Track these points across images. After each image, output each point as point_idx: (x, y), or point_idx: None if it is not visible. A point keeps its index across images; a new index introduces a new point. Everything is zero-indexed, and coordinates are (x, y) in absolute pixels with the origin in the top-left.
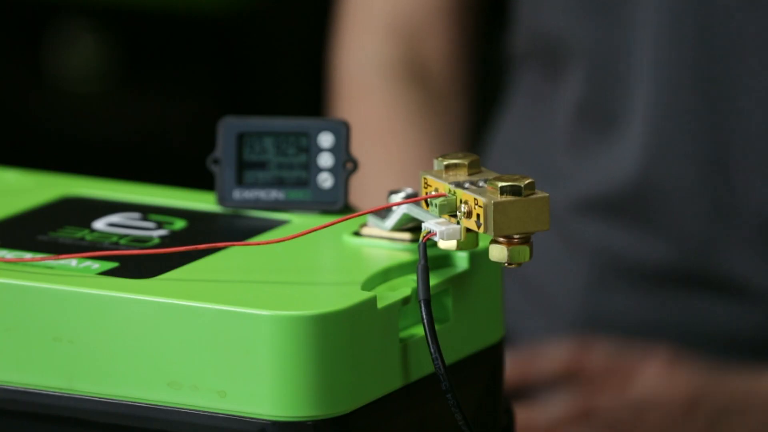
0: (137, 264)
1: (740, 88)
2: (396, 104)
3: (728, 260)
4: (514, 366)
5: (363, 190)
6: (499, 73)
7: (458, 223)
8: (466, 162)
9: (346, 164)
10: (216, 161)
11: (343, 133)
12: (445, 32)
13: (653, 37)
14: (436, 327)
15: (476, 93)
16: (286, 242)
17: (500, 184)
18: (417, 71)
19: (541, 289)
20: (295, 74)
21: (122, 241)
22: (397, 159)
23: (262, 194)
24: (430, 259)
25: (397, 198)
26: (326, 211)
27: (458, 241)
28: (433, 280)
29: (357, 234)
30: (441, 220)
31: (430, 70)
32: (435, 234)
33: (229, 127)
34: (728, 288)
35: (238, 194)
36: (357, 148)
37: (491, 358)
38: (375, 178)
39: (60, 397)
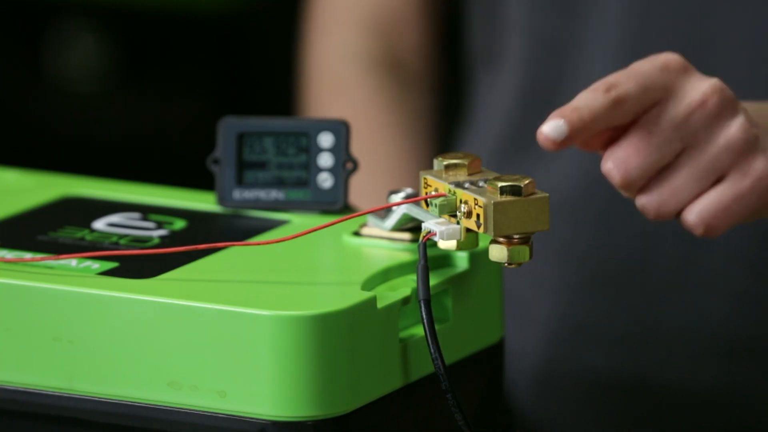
0: (137, 264)
1: None
2: (373, 96)
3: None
4: None
5: None
6: (463, 69)
7: (458, 223)
8: (466, 162)
9: (345, 164)
10: (216, 161)
11: (342, 133)
12: (419, 25)
13: (608, 32)
14: (436, 327)
15: (449, 88)
16: (286, 242)
17: (500, 184)
18: (392, 64)
19: (517, 296)
20: (295, 74)
21: (122, 241)
22: (373, 151)
23: (262, 194)
24: (430, 259)
25: (397, 198)
26: (326, 211)
27: (458, 241)
28: (433, 280)
29: (357, 234)
30: (441, 220)
31: (405, 63)
32: (435, 234)
33: (229, 127)
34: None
35: (238, 194)
36: None
37: (491, 358)
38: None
39: (60, 397)
